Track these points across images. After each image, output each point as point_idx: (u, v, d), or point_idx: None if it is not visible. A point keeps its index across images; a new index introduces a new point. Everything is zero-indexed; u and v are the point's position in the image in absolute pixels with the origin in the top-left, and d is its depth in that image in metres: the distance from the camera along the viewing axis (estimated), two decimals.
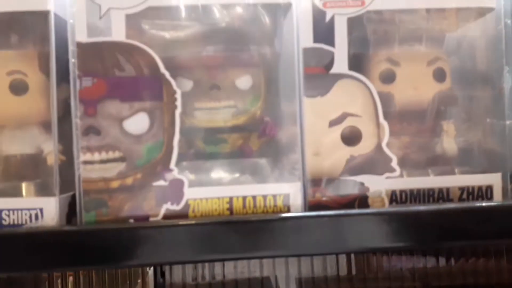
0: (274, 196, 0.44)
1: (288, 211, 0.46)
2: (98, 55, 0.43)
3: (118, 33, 0.42)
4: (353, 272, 0.72)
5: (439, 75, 0.52)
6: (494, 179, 0.47)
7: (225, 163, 0.46)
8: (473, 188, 0.47)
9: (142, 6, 0.43)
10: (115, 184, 0.43)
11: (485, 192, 0.47)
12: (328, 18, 0.46)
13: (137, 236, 0.41)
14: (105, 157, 0.43)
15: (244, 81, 0.48)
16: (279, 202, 0.44)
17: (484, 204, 0.47)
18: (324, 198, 0.46)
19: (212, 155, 0.50)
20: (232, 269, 0.71)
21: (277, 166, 0.46)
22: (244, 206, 0.44)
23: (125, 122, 0.43)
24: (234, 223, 0.42)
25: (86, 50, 0.42)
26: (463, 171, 0.49)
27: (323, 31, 0.48)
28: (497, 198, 0.47)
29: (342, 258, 0.72)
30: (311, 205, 0.47)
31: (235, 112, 0.50)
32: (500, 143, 0.48)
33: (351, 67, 0.48)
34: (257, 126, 0.50)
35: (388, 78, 0.51)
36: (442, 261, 0.71)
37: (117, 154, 0.43)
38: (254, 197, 0.44)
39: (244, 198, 0.44)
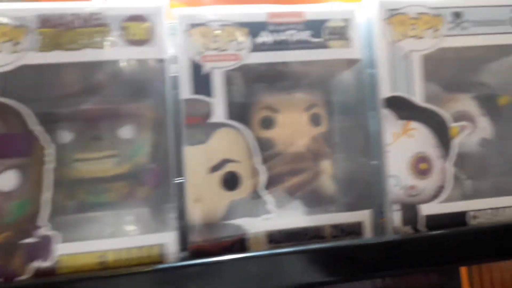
0: (149, 247, 0.32)
1: (162, 261, 0.32)
2: None
3: None
4: None
5: (315, 120, 0.46)
6: (363, 216, 0.36)
7: (103, 215, 0.34)
8: (343, 225, 0.36)
9: (15, 64, 0.32)
10: None
11: (356, 229, 0.36)
12: (205, 71, 0.34)
13: None
14: None
15: (127, 131, 0.36)
16: (155, 253, 0.32)
17: (349, 242, 0.41)
18: (205, 244, 0.34)
19: (96, 205, 0.41)
20: None
21: (157, 215, 0.34)
22: (117, 259, 0.31)
23: None
24: (103, 278, 0.29)
25: None
26: (337, 209, 0.38)
27: (202, 83, 0.41)
28: (367, 234, 0.36)
29: None
30: (192, 252, 0.35)
31: (118, 161, 0.41)
32: (368, 182, 0.37)
33: (229, 116, 0.36)
34: (143, 174, 0.41)
35: (268, 124, 0.45)
36: None
37: None
38: (128, 249, 0.32)
39: (118, 251, 0.31)
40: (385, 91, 0.42)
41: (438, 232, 0.41)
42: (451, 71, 0.47)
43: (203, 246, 0.40)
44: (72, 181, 0.40)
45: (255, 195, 0.42)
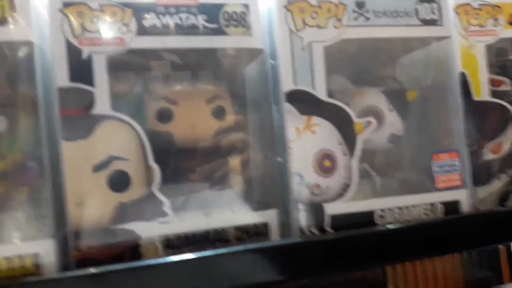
0: (21, 257, 0.27)
1: (38, 272, 0.32)
2: None
3: None
4: None
5: (218, 113, 0.42)
6: (269, 216, 0.33)
7: None
8: (248, 227, 0.33)
9: None
10: None
11: (262, 230, 0.33)
12: (84, 56, 0.29)
13: None
14: None
15: None
16: (28, 263, 0.27)
17: (252, 246, 0.37)
18: (91, 251, 0.29)
19: None
20: None
21: (34, 220, 0.29)
22: None
23: None
24: None
25: None
26: (242, 210, 0.35)
27: (80, 69, 0.36)
28: (274, 236, 0.33)
29: None
30: (77, 261, 0.30)
31: None
32: (274, 179, 0.35)
33: (114, 108, 0.30)
34: (19, 173, 0.36)
35: (165, 117, 0.41)
36: None
37: None
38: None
39: None
40: (287, 84, 0.40)
41: (343, 233, 0.39)
42: (359, 64, 0.46)
43: (89, 253, 0.35)
44: None
45: (149, 196, 0.38)
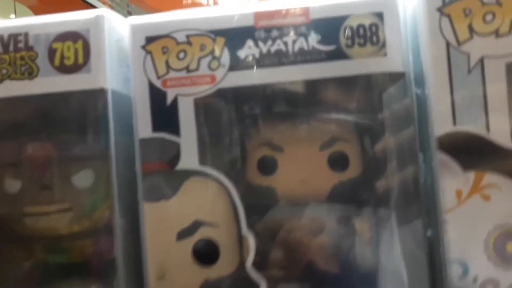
0: None
1: None
2: None
3: None
4: None
5: (338, 161, 0.31)
6: None
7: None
8: None
9: None
10: None
11: None
12: (169, 100, 0.27)
13: None
14: None
15: (82, 178, 0.32)
16: None
17: None
18: None
19: (57, 268, 0.32)
20: None
21: None
22: None
23: None
24: None
25: None
26: None
27: (165, 116, 0.30)
28: None
29: None
30: None
31: (73, 216, 0.32)
32: (419, 267, 0.23)
33: (203, 161, 0.30)
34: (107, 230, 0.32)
35: (267, 168, 0.32)
36: None
37: None
38: None
39: None
40: (442, 124, 0.26)
41: None
42: None
43: None
44: (27, 239, 0.33)
45: (240, 274, 0.30)
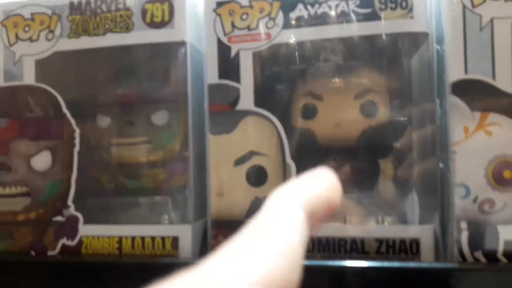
0: (163, 239, 0.32)
1: (175, 255, 0.36)
2: (11, 98, 0.34)
3: (28, 77, 0.38)
4: None
5: (368, 109, 0.38)
6: (423, 232, 0.30)
7: (129, 201, 0.35)
8: (394, 241, 0.30)
9: (50, 51, 0.38)
10: (20, 217, 0.39)
11: (409, 247, 0.30)
12: (233, 53, 0.32)
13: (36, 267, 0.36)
14: (14, 192, 0.34)
15: (159, 117, 0.40)
16: (168, 245, 0.31)
17: (399, 264, 0.33)
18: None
19: (133, 190, 0.41)
20: None
21: (177, 207, 0.34)
22: (132, 247, 0.32)
23: (32, 160, 0.34)
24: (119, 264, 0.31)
25: (1, 94, 0.39)
26: (390, 220, 0.32)
27: (229, 67, 0.38)
28: (426, 256, 0.30)
29: None
30: (214, 248, 0.33)
31: (151, 148, 0.41)
32: (433, 190, 0.30)
33: (258, 104, 0.38)
34: (177, 162, 0.40)
35: (309, 113, 0.39)
36: None
37: (24, 189, 0.33)
38: (142, 238, 0.32)
39: (133, 238, 0.32)
40: (455, 72, 0.32)
41: None
42: None
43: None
44: (112, 164, 0.41)
45: None
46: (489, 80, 0.32)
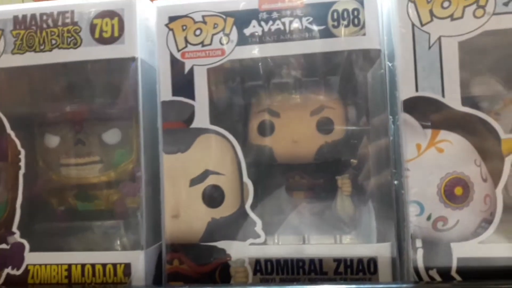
0: (114, 266, 0.31)
1: (127, 282, 0.37)
2: None
3: None
4: None
5: (324, 126, 0.39)
6: (380, 251, 0.31)
7: (80, 225, 0.35)
8: (351, 260, 0.31)
9: None
10: None
11: (367, 266, 0.31)
12: (187, 69, 0.33)
13: None
14: None
15: (111, 135, 0.41)
16: (119, 273, 0.31)
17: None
18: (182, 266, 0.32)
19: (84, 214, 0.41)
20: None
21: (129, 231, 0.34)
22: (82, 275, 0.31)
23: None
24: None
25: None
26: (347, 239, 0.33)
27: (182, 83, 0.39)
28: (384, 275, 0.30)
29: None
30: (169, 274, 0.34)
31: (102, 168, 0.41)
32: (389, 205, 0.31)
33: (213, 121, 0.39)
34: (129, 183, 0.41)
35: (266, 130, 0.40)
36: None
37: None
38: (93, 266, 0.32)
39: (83, 266, 0.32)
40: (406, 89, 0.34)
41: (477, 283, 0.32)
42: None
43: (181, 269, 0.37)
44: (62, 186, 0.41)
45: (241, 214, 0.38)
46: (438, 97, 0.34)
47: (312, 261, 0.36)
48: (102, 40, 0.36)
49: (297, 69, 0.39)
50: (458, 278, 0.32)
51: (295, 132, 0.39)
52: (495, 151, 0.33)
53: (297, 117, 0.39)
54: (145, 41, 0.38)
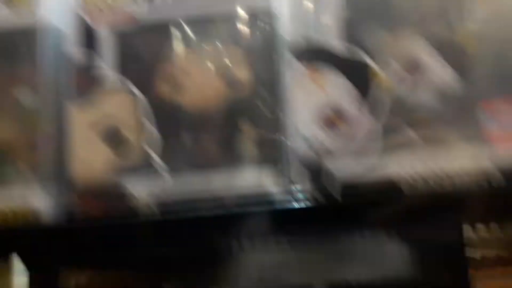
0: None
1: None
2: None
3: None
4: None
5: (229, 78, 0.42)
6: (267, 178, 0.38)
7: None
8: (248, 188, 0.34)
9: None
10: None
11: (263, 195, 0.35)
12: (96, 32, 0.41)
13: None
14: None
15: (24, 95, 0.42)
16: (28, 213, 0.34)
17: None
18: (86, 204, 0.39)
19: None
20: None
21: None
22: None
23: None
24: None
25: None
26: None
27: (90, 40, 0.42)
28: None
29: None
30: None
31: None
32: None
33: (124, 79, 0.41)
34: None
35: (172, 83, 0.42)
36: None
37: None
38: None
39: None
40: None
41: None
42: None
43: (88, 209, 0.39)
44: None
45: (146, 157, 0.40)
46: (318, 37, 0.38)
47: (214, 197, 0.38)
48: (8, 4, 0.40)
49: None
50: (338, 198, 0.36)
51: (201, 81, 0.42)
52: (369, 84, 0.37)
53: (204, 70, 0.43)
54: (54, 4, 0.41)
